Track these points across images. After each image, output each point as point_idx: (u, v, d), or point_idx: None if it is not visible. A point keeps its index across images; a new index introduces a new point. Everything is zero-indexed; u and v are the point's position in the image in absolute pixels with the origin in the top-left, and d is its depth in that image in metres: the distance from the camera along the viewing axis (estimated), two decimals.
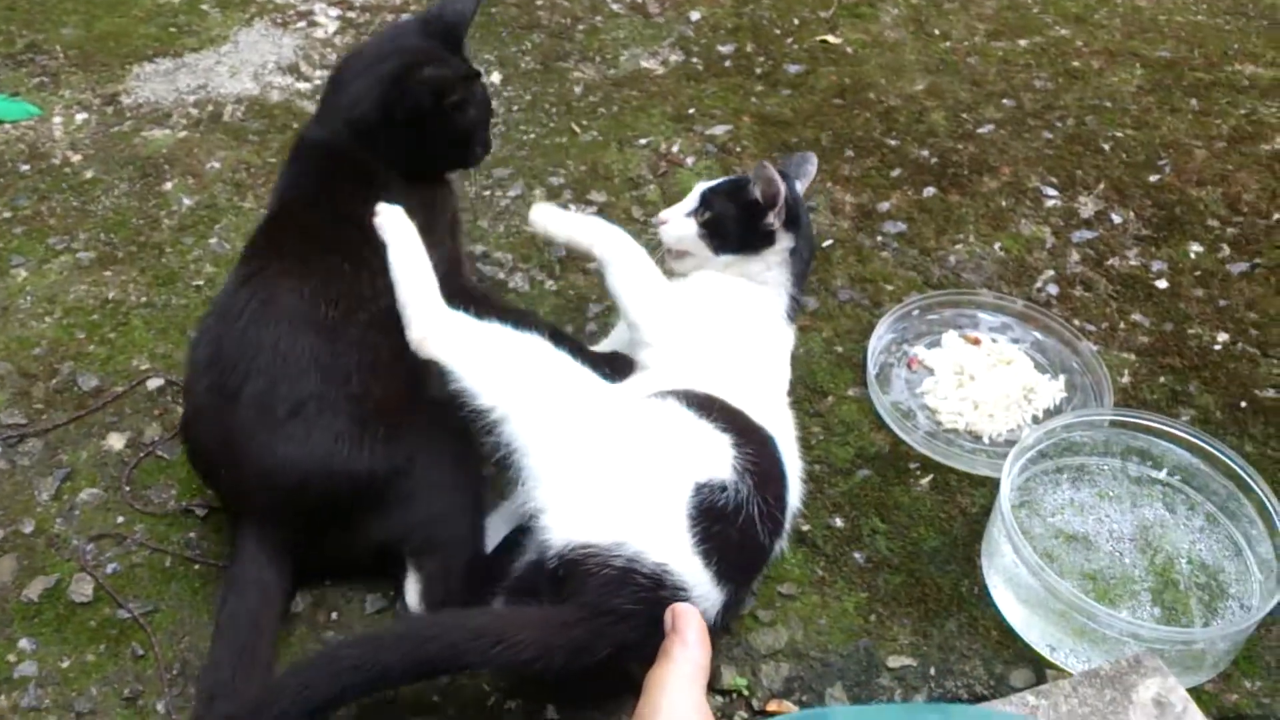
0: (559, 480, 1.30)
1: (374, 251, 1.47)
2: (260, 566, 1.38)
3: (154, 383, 1.75)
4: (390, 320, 1.43)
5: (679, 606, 1.17)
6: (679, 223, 1.63)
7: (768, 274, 1.62)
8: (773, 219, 1.58)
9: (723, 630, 1.37)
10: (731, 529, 1.30)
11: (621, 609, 1.22)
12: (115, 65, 2.54)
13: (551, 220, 1.59)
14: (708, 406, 1.39)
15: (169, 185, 2.17)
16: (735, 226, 1.60)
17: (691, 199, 1.65)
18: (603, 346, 1.67)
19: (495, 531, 1.46)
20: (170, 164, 2.23)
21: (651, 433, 1.36)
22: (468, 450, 1.44)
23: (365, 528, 1.41)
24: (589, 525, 1.26)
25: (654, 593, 1.23)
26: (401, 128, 1.55)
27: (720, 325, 1.57)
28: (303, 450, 1.35)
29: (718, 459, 1.34)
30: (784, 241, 1.61)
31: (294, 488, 1.36)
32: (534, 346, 1.40)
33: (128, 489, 1.61)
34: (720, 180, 1.68)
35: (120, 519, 1.57)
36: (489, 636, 1.19)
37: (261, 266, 1.46)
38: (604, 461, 1.32)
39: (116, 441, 1.67)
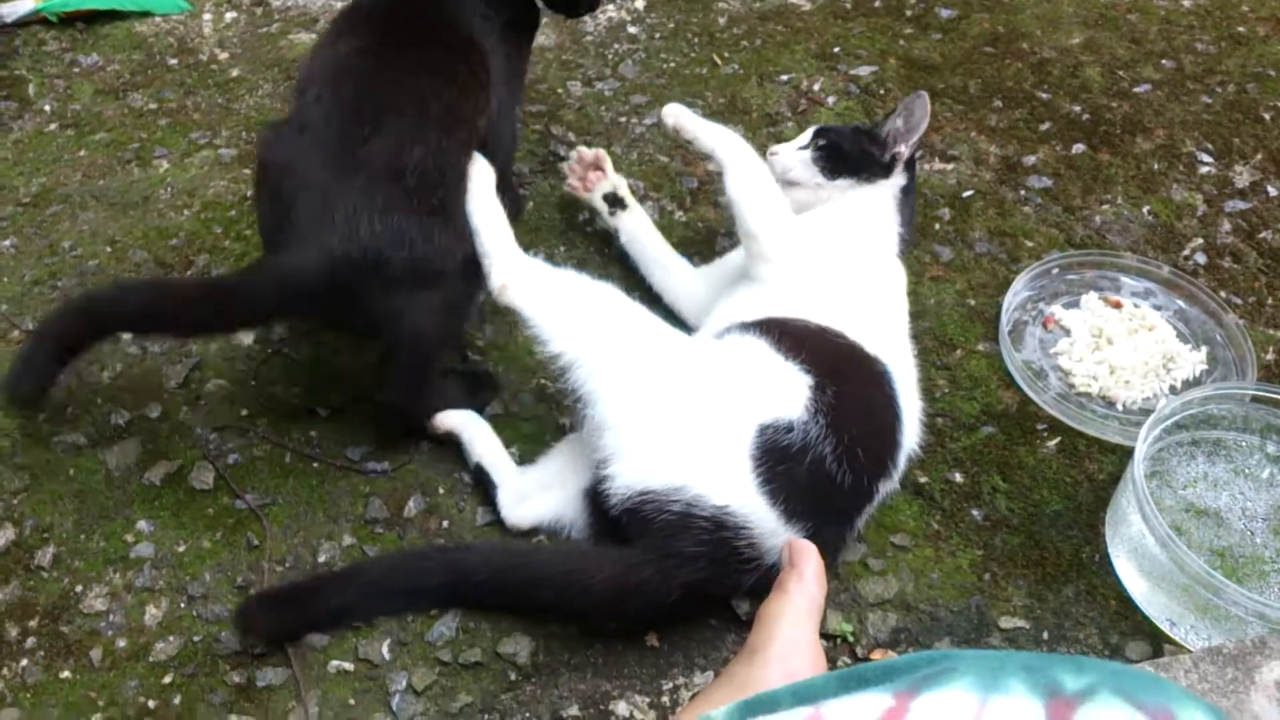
0: (622, 427, 1.32)
1: (471, 71, 1.49)
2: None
3: None
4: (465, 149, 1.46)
5: (796, 542, 1.15)
6: (790, 154, 1.65)
7: (881, 207, 1.62)
8: (905, 149, 1.60)
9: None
10: (799, 468, 1.29)
11: (685, 552, 1.26)
12: None
13: (682, 117, 1.58)
14: (800, 343, 1.38)
15: None
16: (852, 152, 1.62)
17: (804, 136, 1.68)
18: (697, 277, 1.72)
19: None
20: None
21: (713, 378, 1.36)
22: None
23: (393, 300, 1.40)
24: (648, 471, 1.29)
25: (715, 534, 1.26)
26: None
27: (837, 244, 1.56)
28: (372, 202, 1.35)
29: (788, 399, 1.33)
30: (899, 178, 1.62)
31: (353, 234, 1.34)
32: (606, 293, 1.42)
33: (254, 383, 1.64)
34: (837, 125, 1.71)
35: (244, 412, 1.60)
36: (573, 574, 1.28)
37: (367, 43, 1.46)
38: (663, 407, 1.33)
39: (245, 337, 1.70)
